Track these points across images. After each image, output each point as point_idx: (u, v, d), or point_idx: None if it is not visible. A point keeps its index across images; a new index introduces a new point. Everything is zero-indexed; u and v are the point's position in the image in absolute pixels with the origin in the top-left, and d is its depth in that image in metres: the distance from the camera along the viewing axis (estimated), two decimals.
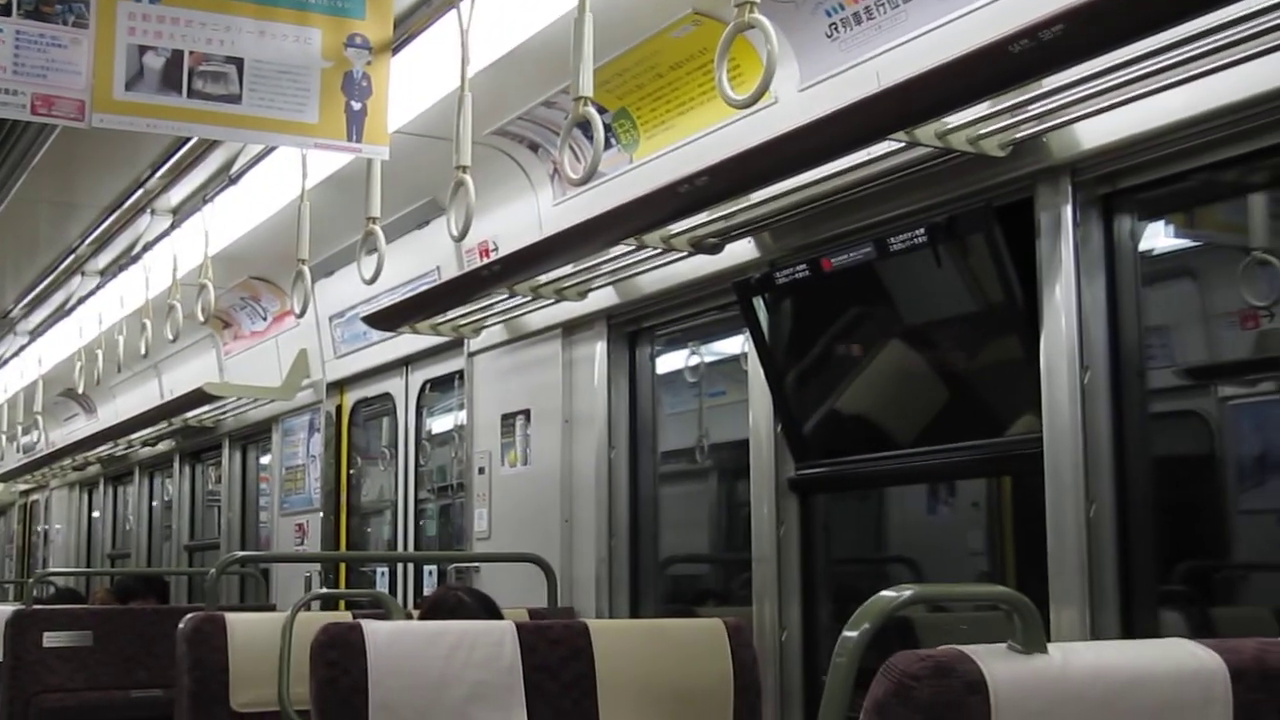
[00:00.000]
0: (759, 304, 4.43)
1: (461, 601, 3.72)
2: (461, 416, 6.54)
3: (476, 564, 5.99)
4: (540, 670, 2.95)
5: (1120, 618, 3.43)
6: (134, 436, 10.65)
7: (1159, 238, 3.69)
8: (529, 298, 5.41)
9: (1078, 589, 3.41)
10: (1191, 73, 3.02)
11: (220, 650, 3.91)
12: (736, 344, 4.97)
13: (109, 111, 3.96)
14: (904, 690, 1.41)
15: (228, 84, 4.11)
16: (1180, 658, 1.53)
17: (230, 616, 4.02)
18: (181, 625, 3.97)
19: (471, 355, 6.29)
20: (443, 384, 6.98)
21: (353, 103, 4.29)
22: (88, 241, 7.95)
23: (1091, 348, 3.49)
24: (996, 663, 1.44)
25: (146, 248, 7.60)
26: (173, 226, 7.16)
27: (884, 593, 1.55)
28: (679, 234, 4.56)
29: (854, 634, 1.52)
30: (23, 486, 15.23)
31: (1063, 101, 3.30)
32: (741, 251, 4.58)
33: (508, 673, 2.92)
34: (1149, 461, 3.52)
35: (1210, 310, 3.67)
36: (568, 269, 5.11)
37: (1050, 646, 1.50)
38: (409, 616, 3.90)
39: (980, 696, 1.41)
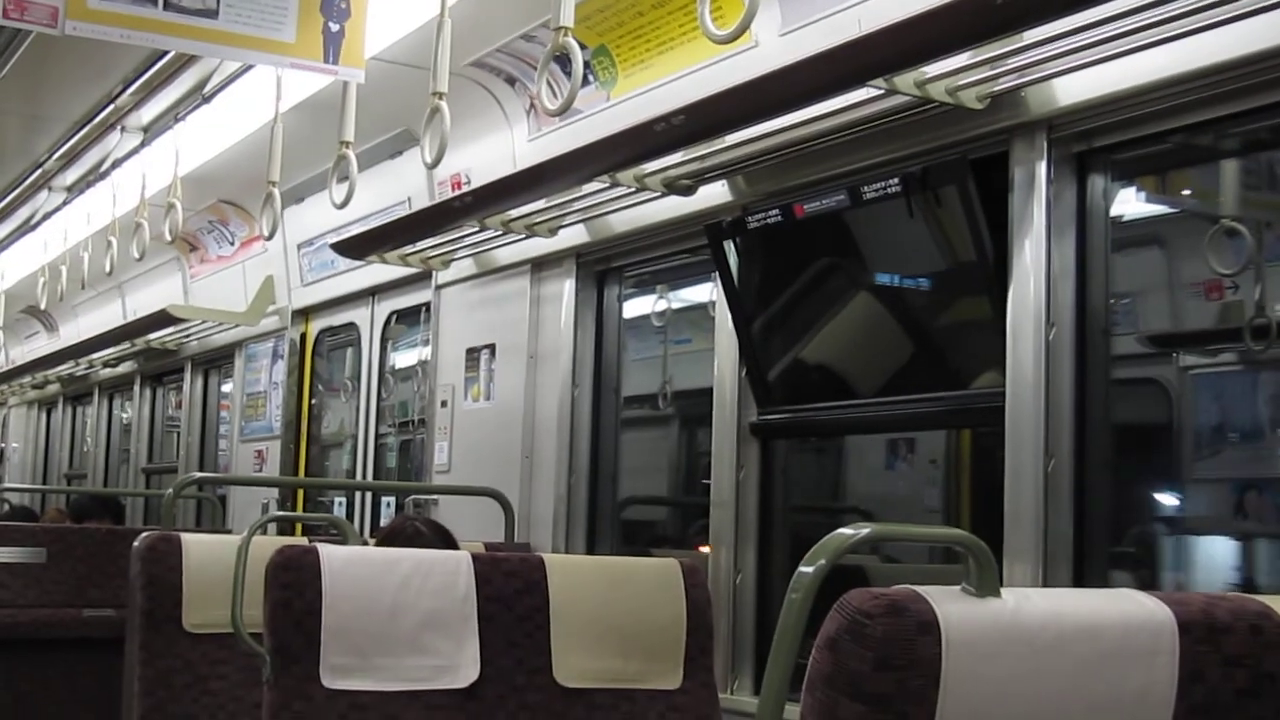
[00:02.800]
0: (730, 247, 4.42)
1: (419, 531, 3.71)
2: (425, 352, 6.53)
3: (435, 496, 5.99)
4: (494, 601, 2.95)
5: (1073, 574, 3.46)
6: (95, 356, 10.59)
7: (1130, 203, 3.69)
8: (499, 232, 5.39)
9: (1032, 543, 3.44)
10: (1172, 32, 3.02)
11: (174, 570, 3.89)
12: (704, 291, 4.96)
13: (82, 20, 3.91)
14: (857, 627, 1.41)
15: None
16: (1130, 608, 1.54)
17: (186, 536, 4.00)
18: (136, 543, 3.94)
19: (439, 288, 6.27)
20: (409, 316, 6.96)
21: (331, 24, 4.25)
22: (55, 156, 7.86)
23: (1058, 305, 3.50)
24: (949, 604, 1.45)
25: (115, 165, 7.52)
26: (143, 144, 7.09)
27: (841, 530, 1.55)
28: (652, 174, 4.54)
29: (809, 569, 1.52)
30: None
31: (1043, 55, 3.30)
32: (714, 194, 4.57)
33: (462, 602, 2.91)
34: (1109, 423, 3.54)
35: (1176, 279, 3.69)
36: (539, 204, 5.09)
37: (1003, 591, 1.50)
38: (365, 544, 3.90)
39: (932, 636, 1.42)
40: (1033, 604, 1.50)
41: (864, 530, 1.57)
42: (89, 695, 5.66)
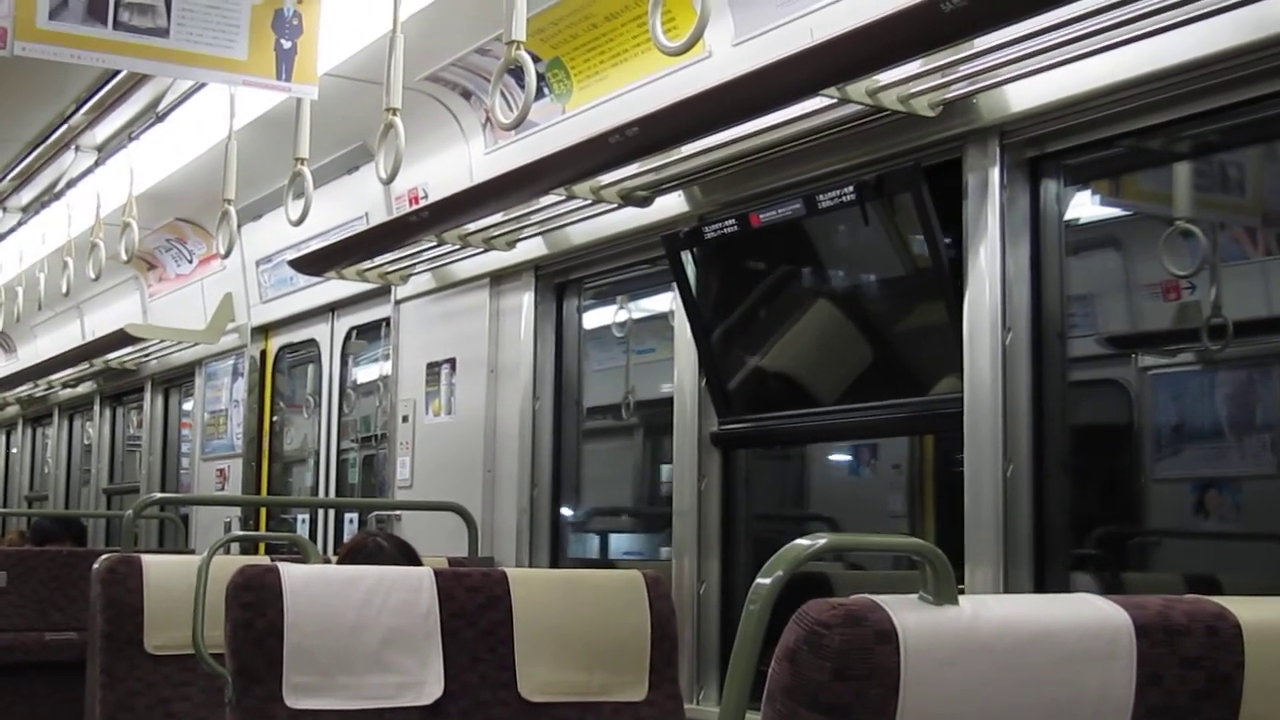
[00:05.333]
0: (687, 258, 4.42)
1: (380, 547, 3.69)
2: (386, 367, 6.51)
3: (398, 512, 5.98)
4: (458, 617, 2.94)
5: (1033, 578, 3.47)
6: (54, 377, 10.52)
7: (1084, 206, 3.71)
8: (457, 246, 5.38)
9: (992, 548, 3.45)
10: (1122, 37, 3.04)
11: (135, 591, 3.87)
12: (664, 301, 4.97)
13: (32, 40, 3.88)
14: (815, 637, 1.41)
15: (155, 16, 4.05)
16: (1087, 612, 1.54)
17: (146, 558, 3.98)
18: (96, 565, 3.92)
19: (398, 303, 6.26)
20: (369, 331, 6.94)
21: (283, 41, 4.24)
22: (9, 177, 7.82)
23: (1014, 310, 3.52)
24: (907, 612, 1.45)
25: (70, 185, 7.49)
26: (97, 164, 7.06)
27: (798, 541, 1.56)
28: (609, 185, 4.54)
29: (767, 581, 1.52)
30: None
31: (994, 62, 3.31)
32: (671, 205, 4.57)
33: (425, 618, 2.90)
34: (1067, 426, 3.56)
35: (1133, 280, 3.71)
36: (497, 218, 5.09)
37: (961, 599, 1.51)
38: (327, 562, 3.88)
39: (891, 646, 1.42)
40: (990, 611, 1.50)
41: (821, 540, 1.57)
42: (51, 719, 5.63)
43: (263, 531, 7.41)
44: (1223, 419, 3.47)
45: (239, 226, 5.30)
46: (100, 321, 9.84)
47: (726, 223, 4.23)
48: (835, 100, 3.59)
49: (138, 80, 5.92)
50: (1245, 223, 3.51)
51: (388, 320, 6.42)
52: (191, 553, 6.53)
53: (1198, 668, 1.54)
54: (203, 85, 5.60)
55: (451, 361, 5.86)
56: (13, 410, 12.55)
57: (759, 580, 1.53)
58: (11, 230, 8.78)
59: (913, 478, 4.69)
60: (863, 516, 4.93)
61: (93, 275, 6.64)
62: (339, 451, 7.23)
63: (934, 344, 3.78)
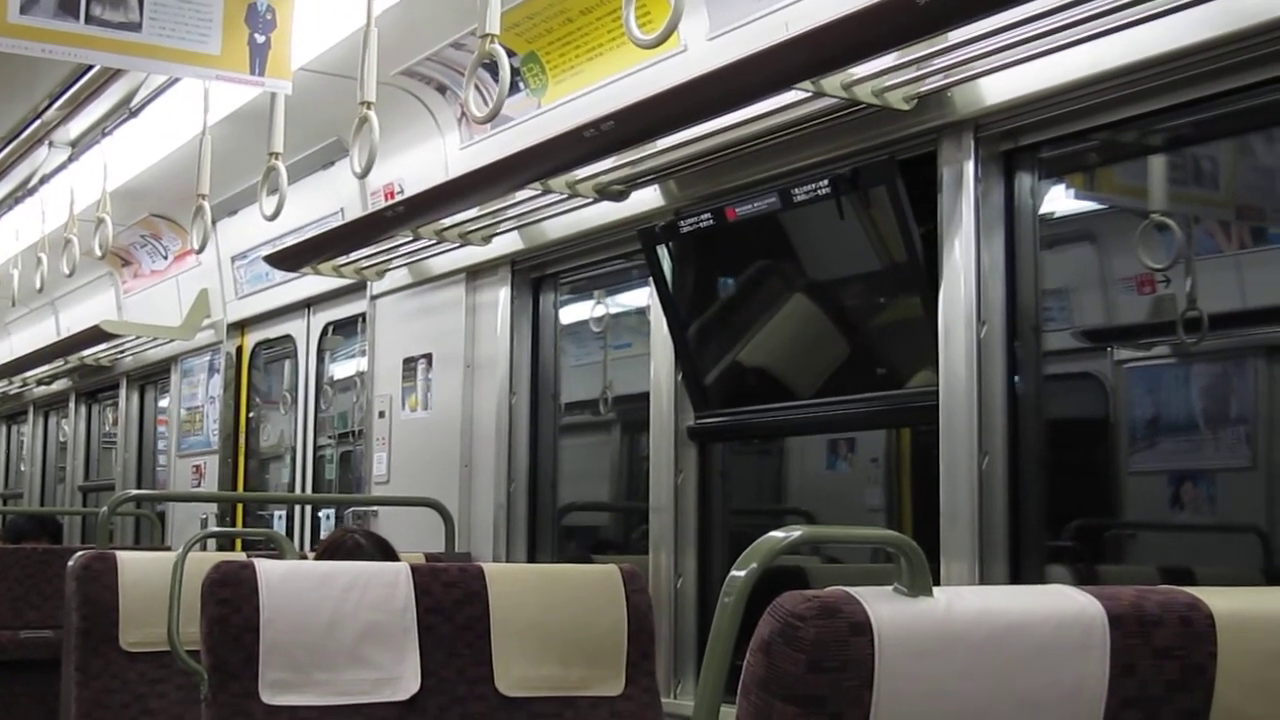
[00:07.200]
0: (663, 252, 4.42)
1: (358, 544, 3.69)
2: (363, 363, 6.50)
3: (375, 508, 5.97)
4: (434, 612, 2.93)
5: (1008, 570, 3.48)
6: (29, 374, 10.49)
7: (1059, 200, 3.72)
8: (433, 241, 5.37)
9: (968, 541, 3.46)
10: (1095, 30, 3.04)
11: (110, 588, 3.85)
12: (642, 296, 4.96)
13: (2, 35, 3.87)
14: (790, 630, 1.41)
15: (127, 11, 4.03)
16: (1061, 603, 1.55)
17: (121, 555, 3.97)
18: (71, 563, 3.91)
19: (374, 298, 6.25)
20: (345, 327, 6.93)
21: (256, 35, 4.23)
22: None
23: (989, 304, 3.52)
24: (882, 604, 1.45)
25: (43, 181, 7.45)
26: (70, 159, 7.03)
27: (773, 533, 1.56)
28: (584, 179, 4.54)
29: (742, 573, 1.52)
30: None
31: (968, 56, 3.32)
32: (647, 199, 4.57)
33: (401, 614, 2.90)
34: (1042, 419, 3.56)
35: (1108, 274, 3.72)
36: (473, 212, 5.08)
37: (936, 590, 1.51)
38: (304, 558, 3.87)
39: (865, 637, 1.42)
40: (965, 602, 1.50)
41: (795, 533, 1.57)
42: (27, 718, 5.60)
43: (239, 528, 7.38)
44: (1198, 412, 3.48)
45: (214, 222, 5.29)
46: (75, 318, 9.80)
47: (702, 216, 4.23)
48: (810, 94, 3.59)
49: (111, 75, 5.89)
50: (1220, 216, 3.52)
51: (364, 316, 6.40)
52: (168, 549, 6.51)
53: (1171, 658, 1.54)
54: (176, 80, 5.57)
55: (428, 357, 5.85)
56: None
57: (734, 573, 1.53)
58: None
59: (890, 472, 4.69)
60: (840, 510, 4.93)
61: (67, 271, 6.61)
62: (316, 447, 7.21)
63: (909, 337, 3.78)
